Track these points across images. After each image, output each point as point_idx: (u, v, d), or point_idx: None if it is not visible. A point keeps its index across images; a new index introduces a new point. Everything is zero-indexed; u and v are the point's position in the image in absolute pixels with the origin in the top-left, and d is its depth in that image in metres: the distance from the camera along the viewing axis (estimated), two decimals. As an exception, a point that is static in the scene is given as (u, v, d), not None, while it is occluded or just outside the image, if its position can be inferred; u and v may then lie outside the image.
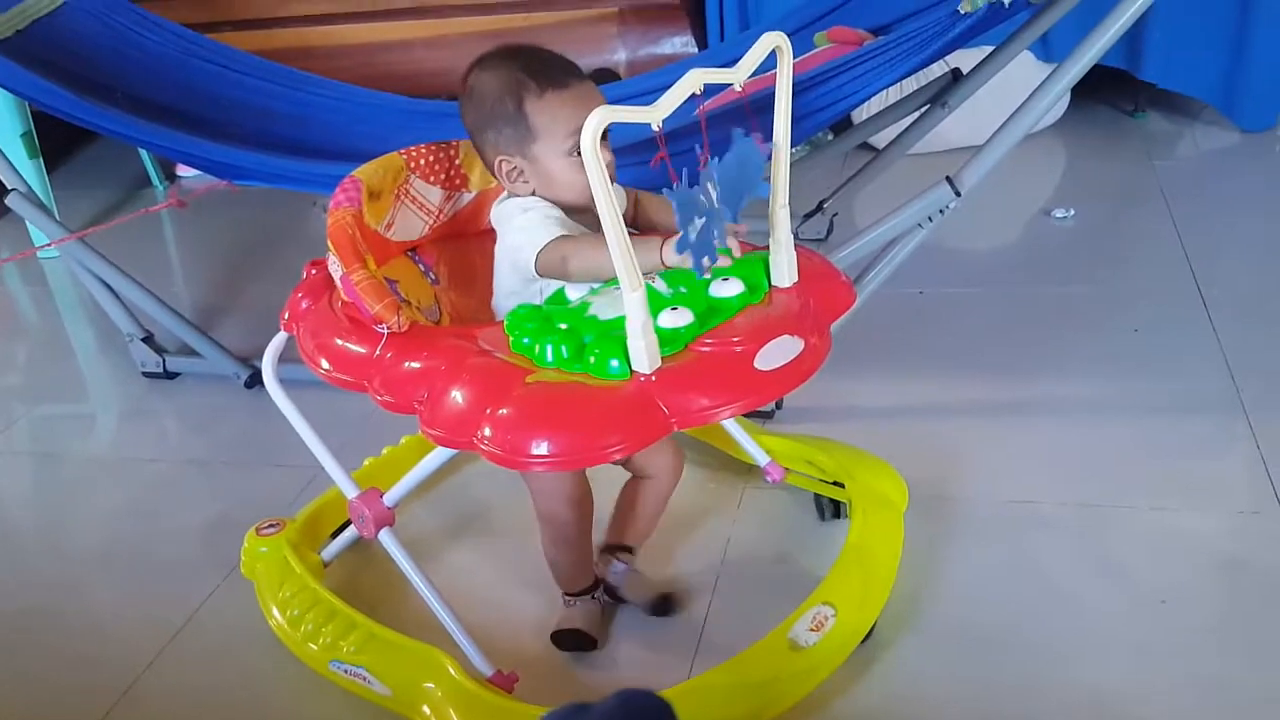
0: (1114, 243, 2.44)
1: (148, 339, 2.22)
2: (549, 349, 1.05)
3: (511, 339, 1.09)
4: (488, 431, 1.02)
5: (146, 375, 2.24)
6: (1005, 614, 1.38)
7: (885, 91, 1.82)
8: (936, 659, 1.32)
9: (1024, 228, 2.61)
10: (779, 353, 1.05)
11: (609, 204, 0.94)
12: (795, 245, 1.14)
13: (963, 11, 1.53)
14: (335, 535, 1.56)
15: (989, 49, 2.08)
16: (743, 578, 1.50)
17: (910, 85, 2.31)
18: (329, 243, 1.17)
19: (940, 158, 2.31)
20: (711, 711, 1.20)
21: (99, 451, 2.08)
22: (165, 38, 2.22)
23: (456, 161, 1.35)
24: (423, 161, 1.32)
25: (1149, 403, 1.79)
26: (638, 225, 1.30)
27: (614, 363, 1.02)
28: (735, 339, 1.05)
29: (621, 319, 1.01)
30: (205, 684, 1.42)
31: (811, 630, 1.26)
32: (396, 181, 1.30)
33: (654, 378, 1.01)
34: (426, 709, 1.25)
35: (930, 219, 1.64)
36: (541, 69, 1.19)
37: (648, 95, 2.02)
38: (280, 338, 1.37)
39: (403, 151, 1.31)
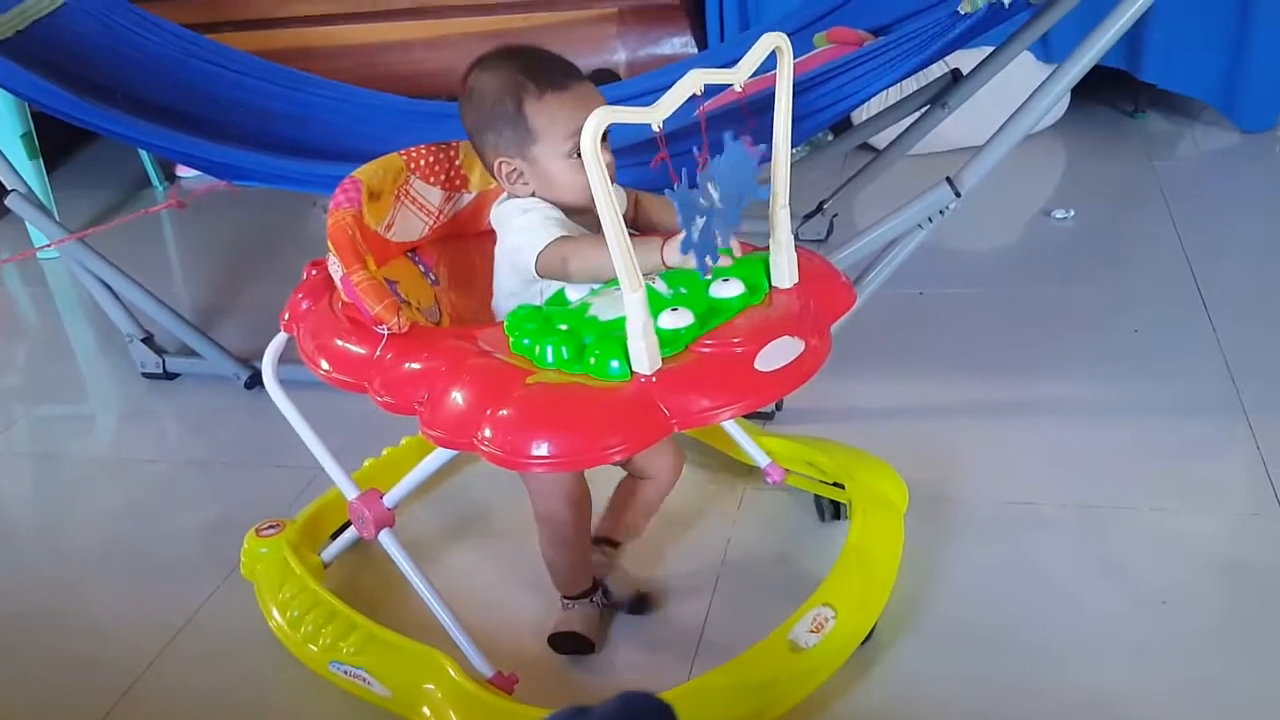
0: (1114, 243, 2.44)
1: (147, 339, 2.22)
2: (549, 350, 1.05)
3: (512, 340, 1.09)
4: (488, 432, 1.02)
5: (146, 376, 2.24)
6: (1005, 615, 1.38)
7: (885, 92, 1.82)
8: (936, 660, 1.32)
9: (1024, 228, 2.61)
10: (779, 354, 1.05)
11: (609, 205, 0.93)
12: (795, 246, 1.14)
13: (962, 12, 1.53)
14: (335, 536, 1.56)
15: (989, 49, 2.08)
16: (743, 579, 1.50)
17: (910, 86, 2.31)
18: (329, 243, 1.17)
19: (940, 158, 2.30)
20: (711, 713, 1.20)
21: (98, 452, 2.08)
22: (165, 38, 2.22)
23: (456, 162, 1.35)
24: (423, 162, 1.32)
25: (1149, 403, 1.79)
26: (638, 226, 1.30)
27: (614, 364, 1.01)
28: (735, 340, 1.05)
29: (622, 320, 1.01)
30: (205, 685, 1.41)
31: (811, 631, 1.26)
32: (396, 182, 1.30)
33: (654, 379, 1.01)
34: (426, 710, 1.25)
35: (930, 220, 1.64)
36: (541, 70, 1.19)
37: (647, 96, 2.02)
38: (280, 338, 1.37)
39: (403, 152, 1.31)
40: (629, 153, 1.34)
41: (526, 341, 1.07)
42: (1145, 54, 2.90)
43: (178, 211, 2.85)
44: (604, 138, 0.93)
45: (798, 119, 1.17)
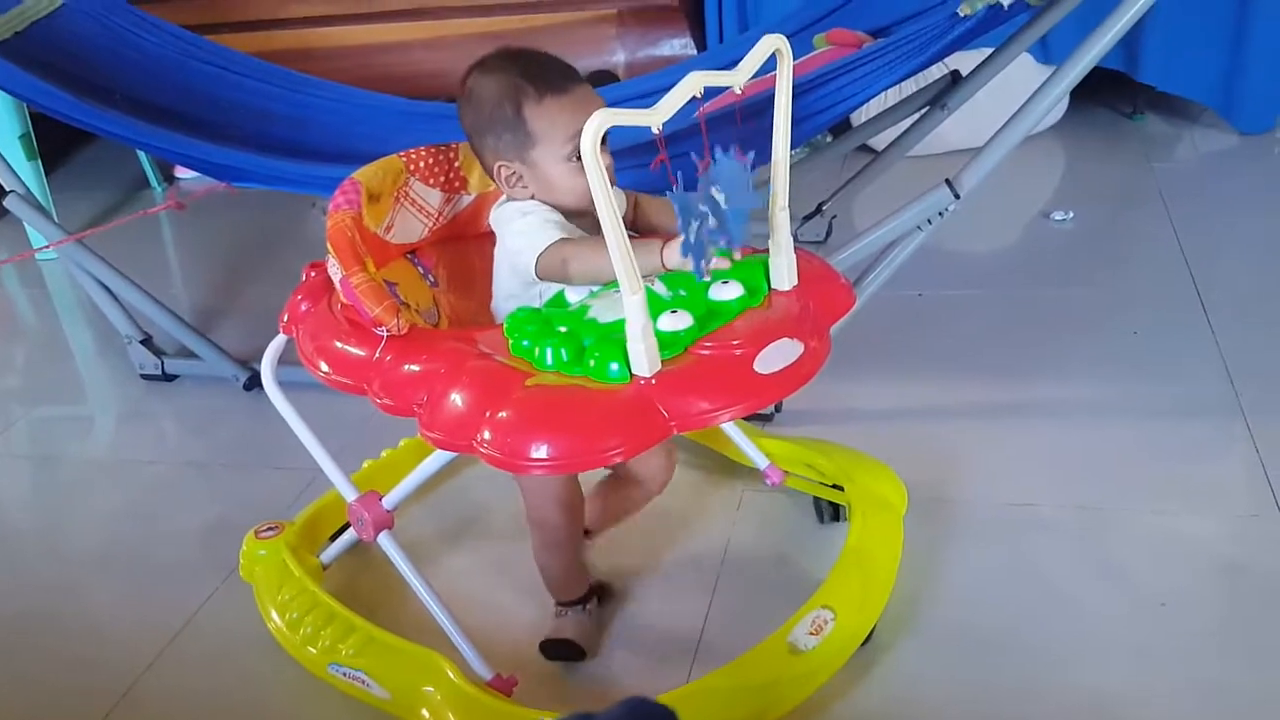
0: (1113, 245, 2.44)
1: (146, 341, 2.22)
2: (548, 352, 1.05)
3: (511, 342, 1.09)
4: (487, 434, 1.02)
5: (145, 377, 2.24)
6: (1005, 617, 1.38)
7: (884, 93, 1.82)
8: (936, 662, 1.32)
9: (1023, 230, 2.61)
10: (778, 356, 1.05)
11: (609, 207, 0.93)
12: (794, 248, 1.14)
13: (962, 14, 1.53)
14: (334, 538, 1.55)
15: (988, 51, 2.09)
16: (742, 581, 1.50)
17: (909, 87, 2.31)
18: (328, 245, 1.17)
19: (939, 160, 2.31)
20: (711, 715, 1.20)
21: (97, 454, 2.08)
22: (164, 39, 2.21)
23: (456, 164, 1.35)
24: (422, 164, 1.32)
25: (1148, 405, 1.79)
26: (637, 228, 1.29)
27: (614, 366, 1.01)
28: (735, 342, 1.05)
29: (621, 322, 1.01)
30: (204, 687, 1.41)
31: (811, 633, 1.26)
32: (396, 184, 1.30)
33: (654, 381, 1.01)
34: (425, 713, 1.25)
35: (929, 221, 1.64)
36: (540, 74, 1.18)
37: (647, 97, 2.03)
38: (279, 340, 1.37)
39: (402, 154, 1.31)
40: (628, 154, 1.35)
41: (526, 343, 1.07)
42: (1144, 56, 2.90)
43: (176, 213, 2.86)
44: (603, 140, 0.93)
45: (797, 121, 1.17)
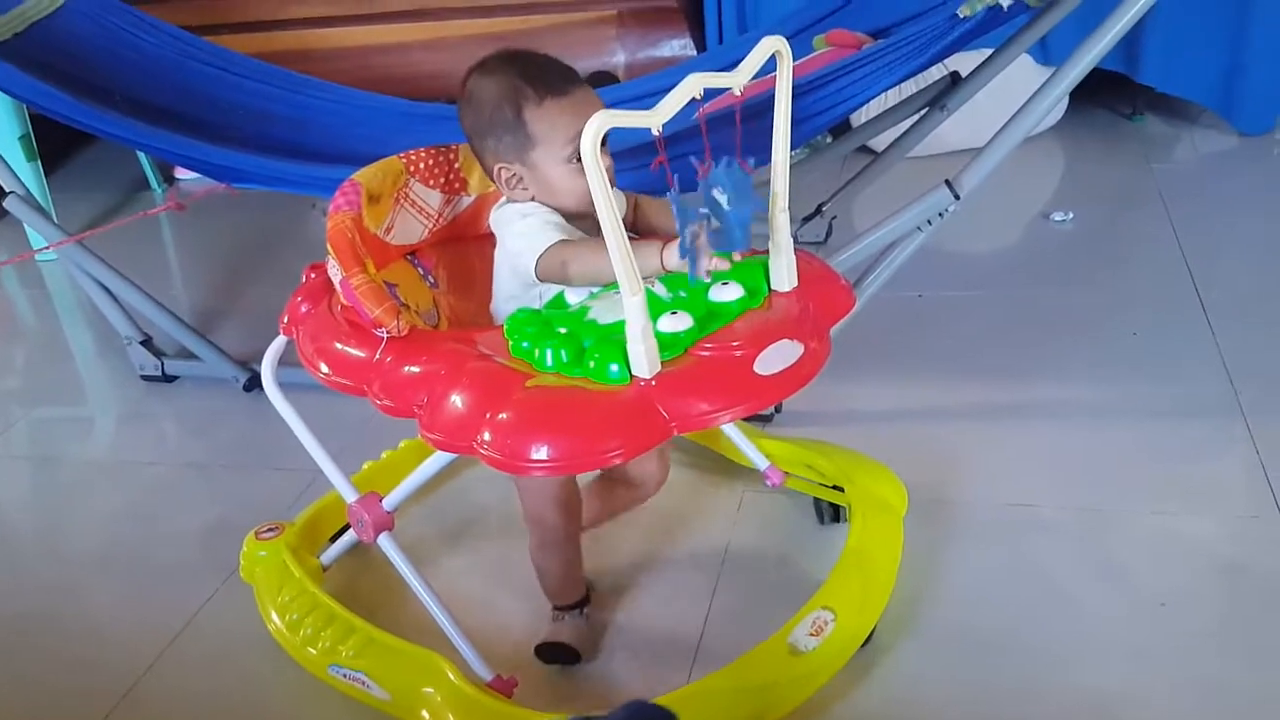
0: (1112, 246, 2.44)
1: (146, 342, 2.22)
2: (548, 353, 1.05)
3: (511, 343, 1.09)
4: (487, 436, 1.02)
5: (145, 378, 2.24)
6: (1005, 617, 1.38)
7: (884, 94, 1.82)
8: (936, 663, 1.32)
9: (1023, 231, 2.61)
10: (778, 357, 1.05)
11: (609, 209, 0.94)
12: (794, 249, 1.14)
13: (961, 16, 1.53)
14: (334, 539, 1.55)
15: (988, 52, 2.09)
16: (742, 582, 1.50)
17: (909, 88, 2.31)
18: (328, 246, 1.17)
19: (939, 161, 2.31)
20: (711, 716, 1.20)
21: (97, 455, 2.08)
22: (163, 40, 2.21)
23: (456, 165, 1.35)
24: (422, 165, 1.32)
25: (1148, 406, 1.79)
26: (637, 229, 1.30)
27: (614, 367, 1.01)
28: (735, 343, 1.05)
29: (621, 323, 1.01)
30: (204, 688, 1.41)
31: (811, 634, 1.26)
32: (396, 185, 1.30)
33: (654, 382, 1.01)
34: (425, 714, 1.25)
35: (929, 222, 1.64)
36: (540, 76, 1.18)
37: (646, 98, 2.04)
38: (279, 341, 1.37)
39: (402, 155, 1.31)
40: (628, 156, 1.35)
41: (526, 345, 1.07)
42: (1144, 57, 2.90)
43: (176, 214, 2.87)
44: (603, 142, 0.93)
45: (797, 122, 1.17)
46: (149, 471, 1.95)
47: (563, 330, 1.08)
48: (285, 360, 1.37)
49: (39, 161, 2.86)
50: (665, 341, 1.03)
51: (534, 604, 1.43)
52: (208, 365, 2.17)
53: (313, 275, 1.32)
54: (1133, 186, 2.72)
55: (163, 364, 2.22)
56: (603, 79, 3.01)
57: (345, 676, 1.33)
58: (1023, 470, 1.66)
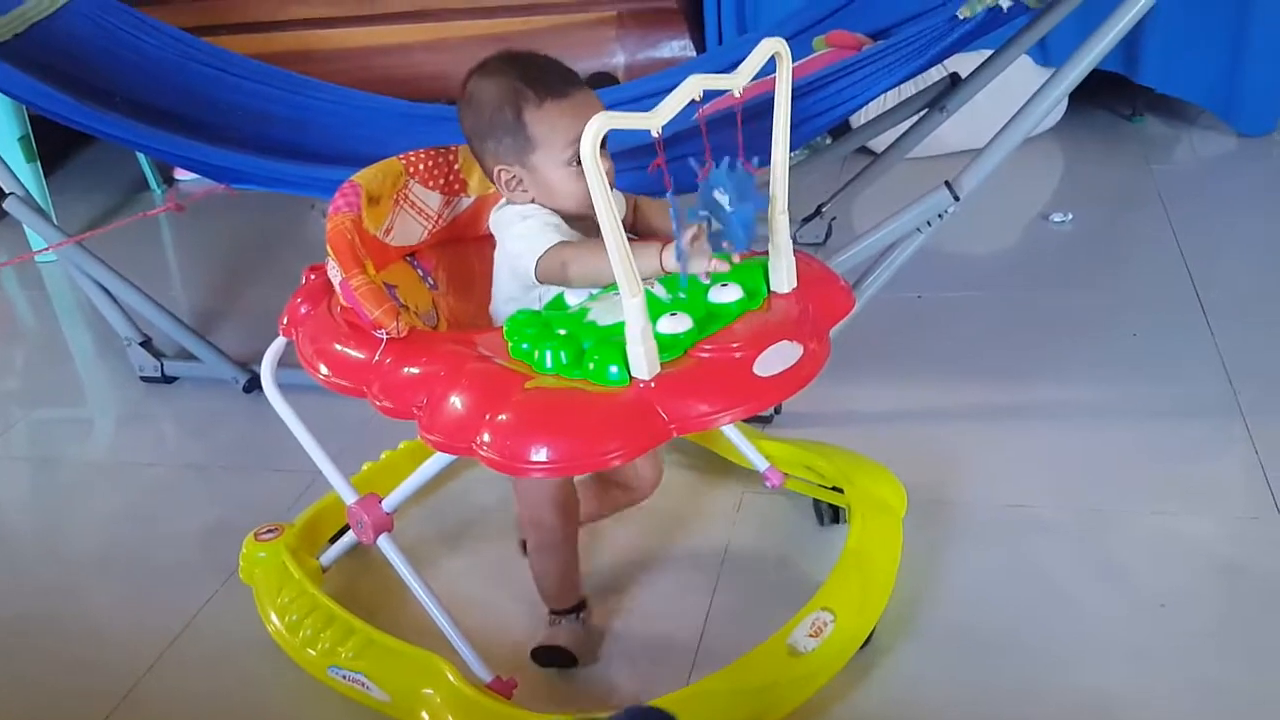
0: (1112, 247, 2.44)
1: (146, 343, 2.22)
2: (548, 354, 1.05)
3: (510, 344, 1.09)
4: (487, 437, 1.02)
5: (144, 380, 2.24)
6: (1004, 618, 1.38)
7: (884, 95, 1.82)
8: (935, 664, 1.32)
9: (1022, 232, 2.61)
10: (778, 358, 1.05)
11: (609, 211, 0.93)
12: (794, 250, 1.14)
13: (961, 17, 1.53)
14: (334, 540, 1.56)
15: (987, 53, 2.09)
16: (741, 583, 1.50)
17: (909, 89, 2.31)
18: (328, 248, 1.17)
19: (939, 162, 2.31)
20: (710, 718, 1.20)
21: (97, 456, 2.08)
22: (163, 41, 2.21)
23: (455, 166, 1.35)
24: (422, 167, 1.32)
25: (1147, 407, 1.79)
26: (636, 230, 1.30)
27: (613, 369, 1.01)
28: (734, 345, 1.05)
29: (620, 325, 1.01)
30: (204, 689, 1.41)
31: (810, 636, 1.26)
32: (395, 186, 1.30)
33: (653, 384, 1.01)
34: (425, 715, 1.25)
35: (929, 223, 1.64)
36: (540, 78, 1.18)
37: (646, 99, 2.04)
38: (279, 343, 1.37)
39: (402, 156, 1.31)
40: (627, 157, 1.35)
41: (525, 346, 1.07)
42: (1143, 58, 2.90)
43: (176, 215, 2.87)
44: (603, 144, 0.93)
45: (797, 123, 1.17)
46: (148, 473, 1.95)
47: (562, 332, 1.08)
48: (285, 361, 1.37)
49: (38, 162, 2.86)
50: (665, 343, 1.03)
51: (533, 605, 1.43)
52: (207, 366, 2.17)
53: (312, 276, 1.32)
54: (1132, 188, 2.72)
55: (162, 365, 2.22)
56: (602, 80, 3.01)
57: (345, 678, 1.33)
58: (1022, 471, 1.66)
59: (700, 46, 3.15)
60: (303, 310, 1.29)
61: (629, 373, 1.01)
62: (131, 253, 2.65)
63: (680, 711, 1.18)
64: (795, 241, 1.16)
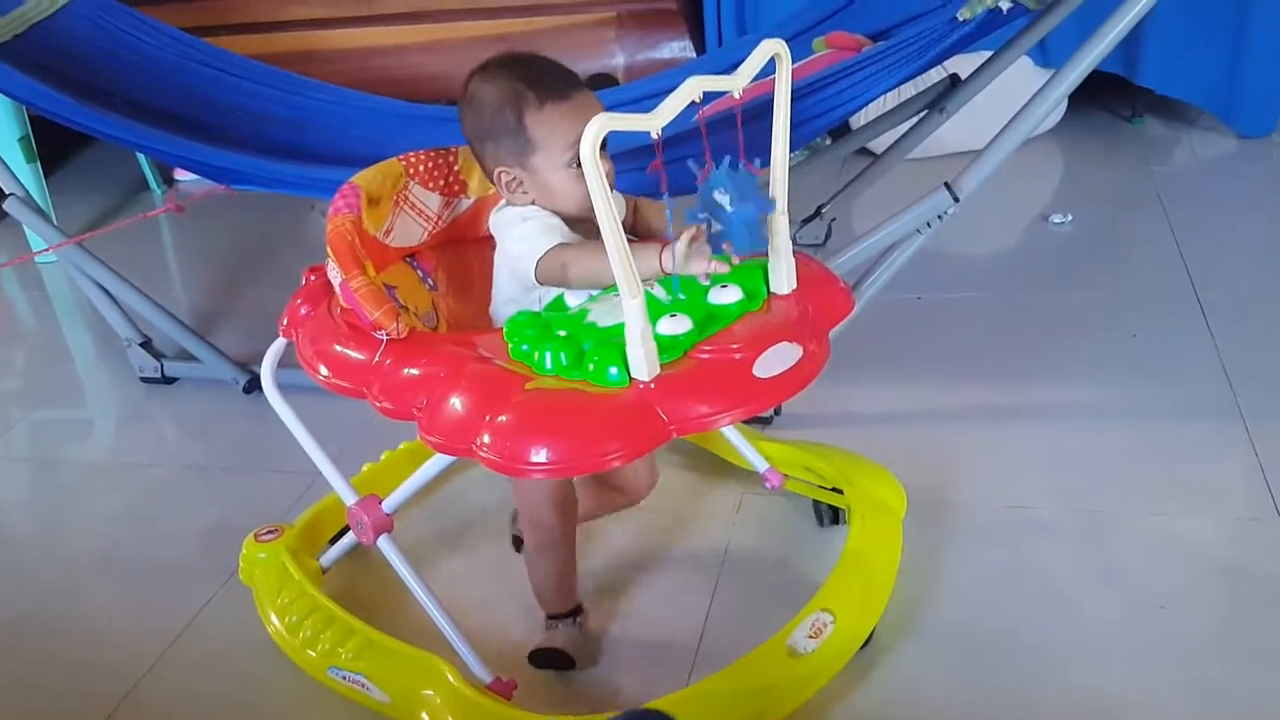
0: (1112, 248, 2.44)
1: (146, 344, 2.22)
2: (548, 356, 1.05)
3: (510, 346, 1.09)
4: (487, 438, 1.02)
5: (144, 380, 2.24)
6: (1004, 619, 1.38)
7: (884, 97, 1.82)
8: (935, 664, 1.32)
9: (1022, 233, 2.61)
10: (778, 360, 1.05)
11: (609, 213, 0.93)
12: (794, 251, 1.14)
13: (961, 19, 1.53)
14: (334, 541, 1.56)
15: (987, 54, 2.09)
16: (741, 584, 1.50)
17: (908, 90, 2.32)
18: (328, 249, 1.17)
19: (938, 163, 2.31)
20: (710, 718, 1.20)
21: (97, 456, 2.08)
22: (163, 42, 2.22)
23: (455, 168, 1.35)
24: (421, 168, 1.32)
25: (1147, 408, 1.79)
26: (636, 232, 1.30)
27: (613, 370, 1.01)
28: (734, 346, 1.05)
29: (620, 326, 1.01)
30: (204, 690, 1.41)
31: (810, 637, 1.26)
32: (395, 188, 1.30)
33: (653, 385, 1.01)
34: (425, 716, 1.25)
35: (929, 224, 1.64)
36: (541, 80, 1.18)
37: (646, 100, 2.04)
38: (279, 343, 1.37)
39: (401, 158, 1.31)
40: (627, 158, 1.35)
41: (525, 347, 1.07)
42: (1143, 59, 2.90)
43: (176, 215, 2.87)
44: (603, 146, 0.93)
45: (796, 124, 1.17)
46: (148, 473, 1.95)
47: (562, 333, 1.08)
48: (285, 362, 1.37)
49: (38, 163, 2.86)
50: (664, 344, 1.03)
51: (533, 607, 1.42)
52: (207, 367, 2.17)
53: (312, 277, 1.32)
54: (1132, 189, 2.72)
55: (162, 366, 2.22)
56: (602, 81, 3.01)
57: (345, 679, 1.33)
58: (1022, 472, 1.66)
59: (700, 48, 3.15)
60: (303, 311, 1.29)
61: (629, 374, 1.01)
62: (131, 253, 2.65)
63: (680, 712, 1.18)
64: (795, 243, 1.16)
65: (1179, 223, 2.46)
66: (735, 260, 1.08)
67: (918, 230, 1.65)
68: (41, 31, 2.06)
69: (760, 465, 1.58)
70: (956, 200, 1.61)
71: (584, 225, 1.19)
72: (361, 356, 1.16)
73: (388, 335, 1.13)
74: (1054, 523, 1.55)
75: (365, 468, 1.67)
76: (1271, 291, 2.13)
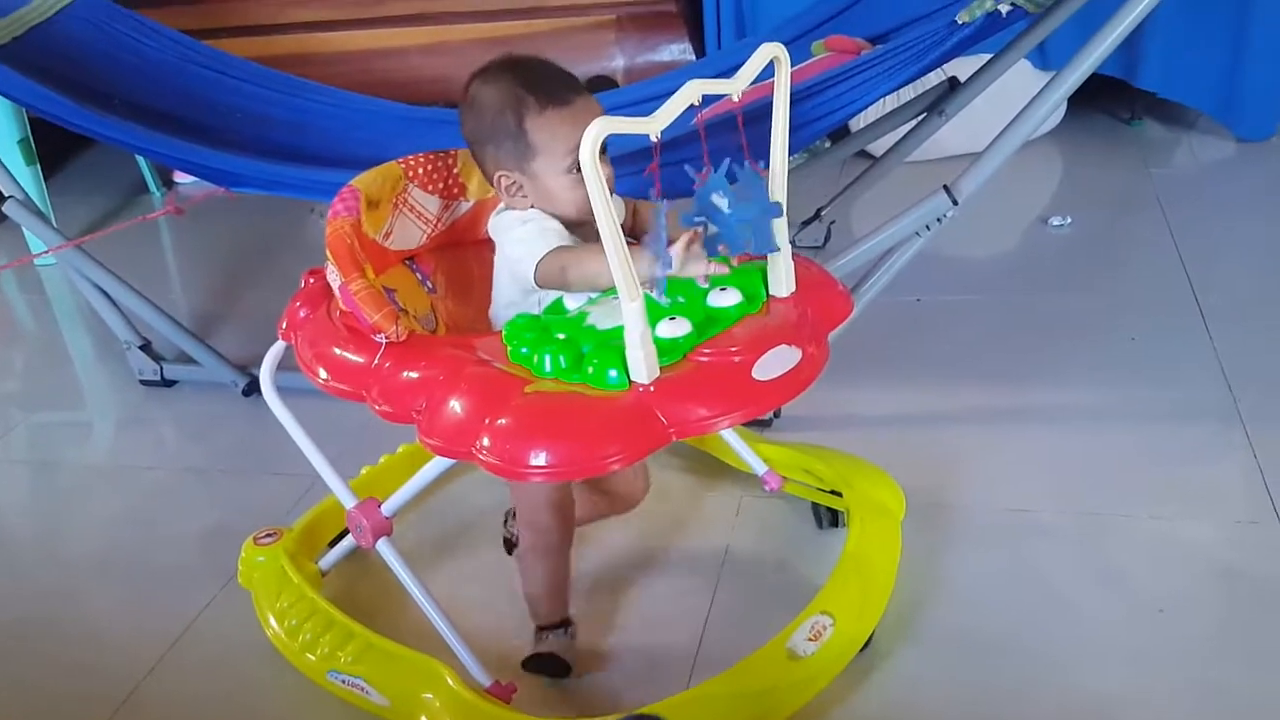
0: (1111, 250, 2.45)
1: (145, 346, 2.22)
2: (547, 359, 1.05)
3: (510, 349, 1.09)
4: (486, 441, 1.02)
5: (144, 383, 2.24)
6: (1004, 621, 1.38)
7: (883, 99, 1.82)
8: (935, 667, 1.32)
9: (1021, 235, 2.62)
10: (777, 362, 1.05)
11: (608, 216, 0.94)
12: (793, 254, 1.15)
13: (960, 22, 1.53)
14: (333, 544, 1.55)
15: (986, 57, 2.09)
16: (741, 587, 1.50)
17: (907, 93, 2.31)
18: (327, 252, 1.17)
19: (938, 165, 2.31)
20: (710, 721, 1.20)
21: (96, 459, 2.08)
22: (163, 44, 2.22)
23: (454, 170, 1.35)
24: (421, 170, 1.32)
25: (1146, 411, 1.79)
26: (635, 235, 1.29)
27: (612, 373, 1.01)
28: (733, 349, 1.05)
29: (619, 329, 1.01)
30: (203, 693, 1.41)
31: (810, 639, 1.26)
32: (395, 190, 1.30)
33: (652, 388, 1.01)
34: (424, 719, 1.25)
35: (928, 227, 1.64)
36: (542, 84, 1.18)
37: (646, 103, 2.04)
38: (278, 346, 1.37)
39: (401, 160, 1.31)
40: (627, 161, 1.35)
41: (525, 350, 1.07)
42: (1143, 62, 2.90)
43: (175, 218, 2.86)
44: (603, 150, 0.93)
45: (796, 127, 1.17)
46: (148, 476, 1.95)
47: (561, 336, 1.08)
48: (284, 365, 1.37)
49: (38, 165, 2.86)
50: (664, 347, 1.03)
51: (533, 609, 1.43)
52: (206, 370, 2.17)
53: (311, 280, 1.32)
54: (1131, 191, 2.72)
55: (161, 369, 2.22)
56: (601, 83, 3.01)
57: (344, 682, 1.33)
58: (1021, 475, 1.66)
59: (699, 51, 3.15)
60: (302, 314, 1.29)
61: (628, 377, 1.01)
62: (131, 256, 2.65)
63: (680, 715, 1.18)
64: (794, 245, 1.16)
65: (1178, 225, 2.46)
66: (735, 262, 1.08)
67: (917, 233, 1.65)
68: (41, 33, 2.06)
69: (759, 468, 1.58)
70: (956, 203, 1.61)
71: (583, 228, 1.19)
72: (361, 359, 1.16)
73: (387, 338, 1.13)
74: (1053, 525, 1.55)
75: (364, 471, 1.67)
76: (1270, 294, 2.13)
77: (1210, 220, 2.49)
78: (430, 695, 1.25)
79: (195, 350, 2.16)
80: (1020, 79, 2.30)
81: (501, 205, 1.27)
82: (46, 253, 2.14)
